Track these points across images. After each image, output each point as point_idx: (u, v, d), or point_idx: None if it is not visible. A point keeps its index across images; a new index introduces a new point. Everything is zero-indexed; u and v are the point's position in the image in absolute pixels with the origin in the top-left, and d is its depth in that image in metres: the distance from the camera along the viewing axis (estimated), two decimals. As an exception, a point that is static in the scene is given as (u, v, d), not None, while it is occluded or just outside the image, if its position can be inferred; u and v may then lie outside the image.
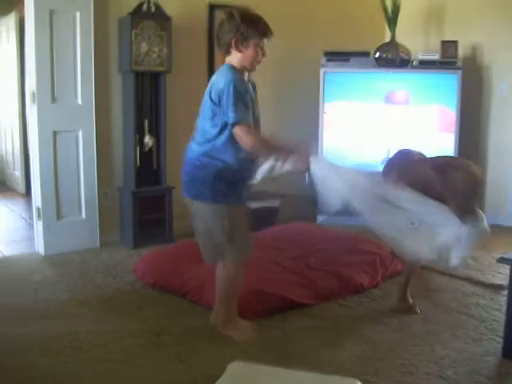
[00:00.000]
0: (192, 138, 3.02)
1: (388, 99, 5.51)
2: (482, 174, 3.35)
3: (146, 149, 4.81)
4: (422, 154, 3.52)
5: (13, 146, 7.47)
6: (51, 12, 4.41)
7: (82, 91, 4.60)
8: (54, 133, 4.50)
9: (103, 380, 2.63)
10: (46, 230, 4.57)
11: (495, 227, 5.36)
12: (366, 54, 5.59)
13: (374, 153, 5.47)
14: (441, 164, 3.31)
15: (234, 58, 2.87)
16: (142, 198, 4.78)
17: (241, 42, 2.83)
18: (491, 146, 5.77)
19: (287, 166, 2.83)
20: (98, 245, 4.76)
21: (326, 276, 3.65)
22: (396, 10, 5.58)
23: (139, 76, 4.75)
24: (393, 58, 5.54)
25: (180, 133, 5.09)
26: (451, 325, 3.27)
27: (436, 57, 5.53)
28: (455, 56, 5.55)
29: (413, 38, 5.91)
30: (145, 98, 4.80)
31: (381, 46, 5.64)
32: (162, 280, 3.76)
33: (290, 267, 3.68)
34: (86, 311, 3.45)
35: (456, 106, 5.41)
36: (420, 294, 3.68)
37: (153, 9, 4.71)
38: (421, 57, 5.57)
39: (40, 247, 4.61)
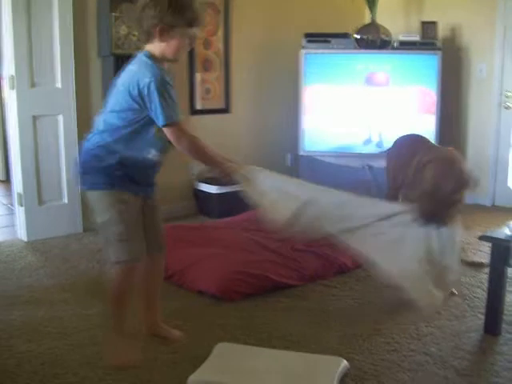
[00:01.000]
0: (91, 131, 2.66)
1: (368, 80, 5.52)
2: (468, 177, 2.99)
3: (128, 133, 4.77)
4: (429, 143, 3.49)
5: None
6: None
7: (61, 75, 4.55)
8: (34, 117, 4.46)
9: (89, 364, 2.62)
10: (28, 215, 4.54)
11: (475, 206, 5.44)
12: (346, 36, 5.59)
13: (356, 135, 5.48)
14: (427, 159, 3.11)
15: (156, 46, 2.51)
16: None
17: (166, 31, 2.47)
18: (471, 127, 5.82)
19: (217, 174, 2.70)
20: (81, 230, 4.73)
21: (311, 257, 3.66)
22: (376, -10, 5.59)
23: (119, 59, 4.68)
24: (373, 40, 5.54)
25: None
26: (434, 302, 3.30)
27: (416, 38, 5.55)
28: (435, 37, 5.57)
29: (393, 19, 5.93)
30: (125, 82, 4.75)
31: (361, 28, 5.64)
32: (145, 264, 3.75)
33: (274, 249, 3.69)
34: (70, 296, 3.44)
35: (436, 87, 5.43)
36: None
37: (132, -9, 4.66)
38: (401, 38, 5.58)
39: (22, 233, 4.58)
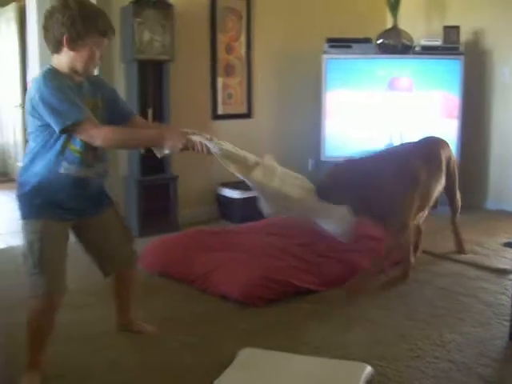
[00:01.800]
0: None
1: (391, 86, 5.51)
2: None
3: (150, 138, 4.80)
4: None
5: (14, 137, 7.48)
6: (53, 2, 4.39)
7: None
8: (59, 123, 4.50)
9: (112, 368, 2.64)
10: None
11: (500, 212, 5.40)
12: (368, 41, 5.59)
13: (377, 140, 5.47)
14: None
15: (64, 57, 2.33)
16: (147, 186, 4.79)
17: (75, 40, 2.29)
18: (494, 131, 5.77)
19: (166, 149, 2.45)
20: (104, 234, 4.76)
21: (333, 262, 3.66)
22: (398, -4, 5.58)
23: (142, 65, 4.74)
24: (395, 45, 5.53)
25: (183, 121, 5.10)
26: (458, 309, 3.28)
27: (438, 42, 5.53)
28: (457, 41, 5.54)
29: (415, 23, 5.91)
30: (148, 87, 4.80)
31: (383, 33, 5.63)
32: (168, 268, 3.78)
33: (297, 254, 3.69)
34: (93, 300, 3.46)
35: (459, 91, 5.40)
36: (424, 279, 3.72)
37: (155, -3, 4.70)
38: (423, 42, 5.56)
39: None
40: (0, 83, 7.81)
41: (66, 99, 2.26)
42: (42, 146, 2.36)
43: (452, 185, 4.01)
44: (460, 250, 4.17)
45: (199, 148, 2.46)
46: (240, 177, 2.78)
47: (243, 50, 5.52)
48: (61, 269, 2.47)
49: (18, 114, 7.20)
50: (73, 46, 2.30)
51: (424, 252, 4.12)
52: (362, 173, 3.37)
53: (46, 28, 2.34)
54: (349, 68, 5.54)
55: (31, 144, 2.39)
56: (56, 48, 2.34)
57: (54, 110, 2.25)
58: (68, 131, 2.30)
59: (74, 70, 2.36)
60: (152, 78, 4.82)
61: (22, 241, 2.48)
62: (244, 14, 5.47)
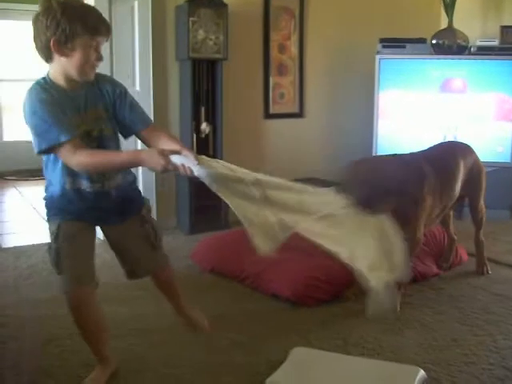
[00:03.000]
0: None
1: (444, 86, 5.43)
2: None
3: (203, 135, 4.86)
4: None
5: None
6: (110, 1, 4.50)
7: (140, 79, 4.68)
8: (113, 119, 4.58)
9: (169, 362, 2.68)
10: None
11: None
12: (422, 41, 5.51)
13: (430, 141, 5.38)
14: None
15: (57, 65, 2.16)
16: (199, 184, 4.78)
17: (63, 44, 2.10)
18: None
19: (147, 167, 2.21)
20: (153, 230, 4.83)
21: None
22: (454, -5, 5.50)
23: (196, 63, 4.79)
24: (450, 45, 5.44)
25: (236, 119, 5.15)
26: (513, 315, 3.23)
27: (495, 43, 5.41)
28: (515, 42, 5.43)
29: (471, 23, 5.80)
30: (201, 86, 4.84)
31: (438, 33, 5.55)
32: (220, 265, 3.82)
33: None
34: (146, 294, 3.50)
35: (515, 93, 5.30)
36: (478, 284, 3.66)
37: (209, -4, 4.74)
38: (479, 43, 5.46)
39: (98, 231, 4.69)
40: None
41: (48, 118, 2.10)
42: (47, 161, 2.30)
43: (474, 196, 3.78)
44: (479, 270, 3.88)
45: (181, 171, 2.19)
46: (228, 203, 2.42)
47: (296, 49, 5.51)
48: (81, 264, 2.38)
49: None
50: (62, 50, 2.12)
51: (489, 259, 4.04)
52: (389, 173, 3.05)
53: (34, 36, 2.15)
54: (402, 68, 5.48)
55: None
56: (47, 56, 2.16)
57: (33, 130, 2.15)
58: (46, 153, 2.20)
59: (69, 78, 2.18)
60: (205, 76, 4.85)
61: None
62: (297, 13, 5.47)
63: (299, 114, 5.62)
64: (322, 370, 2.56)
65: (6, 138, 8.35)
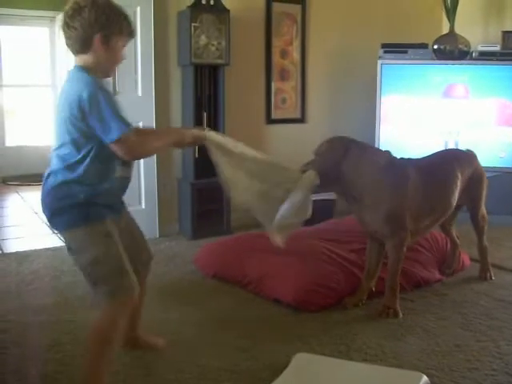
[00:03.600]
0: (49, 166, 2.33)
1: (447, 92, 5.43)
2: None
3: (205, 141, 4.85)
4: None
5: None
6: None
7: (142, 84, 4.69)
8: (116, 125, 4.59)
9: (172, 367, 2.68)
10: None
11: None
12: (424, 46, 5.53)
13: (432, 147, 5.38)
14: None
15: (93, 58, 2.21)
16: (201, 189, 4.83)
17: (108, 40, 2.19)
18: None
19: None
20: (157, 235, 4.85)
21: (387, 269, 3.62)
22: (455, 0, 5.50)
23: (198, 69, 4.79)
24: (451, 50, 5.45)
25: (238, 125, 5.15)
26: (516, 321, 3.22)
27: (497, 48, 5.42)
28: (516, 47, 5.44)
29: (472, 28, 5.81)
30: (203, 91, 4.84)
31: (439, 38, 5.56)
32: (222, 271, 3.81)
33: (352, 260, 3.66)
34: (148, 300, 3.48)
35: (517, 98, 5.30)
36: (481, 290, 3.66)
37: (212, 2, 4.75)
38: (480, 48, 5.47)
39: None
40: (58, 86, 7.99)
41: (115, 108, 2.16)
42: (93, 156, 2.21)
43: (474, 204, 3.75)
44: (482, 276, 3.85)
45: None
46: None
47: (297, 55, 5.52)
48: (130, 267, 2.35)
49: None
50: (105, 45, 2.19)
51: (493, 265, 4.01)
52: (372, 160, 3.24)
53: (73, 26, 2.17)
54: (404, 74, 5.48)
55: (70, 154, 2.21)
56: (83, 48, 2.20)
57: (116, 111, 2.15)
58: (120, 139, 2.14)
59: (99, 71, 2.25)
60: (207, 82, 4.86)
61: (82, 251, 2.31)
62: (299, 18, 5.48)
63: (301, 120, 5.63)
64: (325, 375, 2.56)
65: (9, 143, 8.36)
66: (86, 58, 2.22)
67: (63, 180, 2.23)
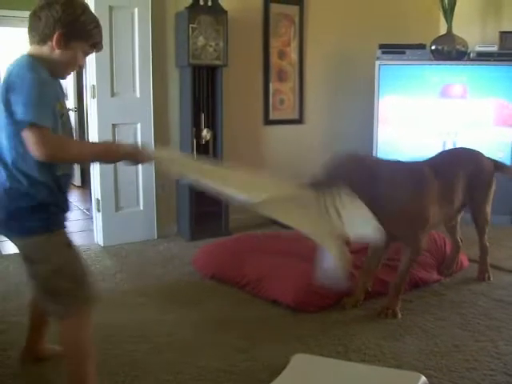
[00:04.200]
0: None
1: (445, 92, 5.44)
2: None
3: (203, 141, 4.86)
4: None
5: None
6: (110, 8, 4.51)
7: (140, 85, 4.69)
8: (113, 126, 4.60)
9: (169, 368, 2.67)
10: (105, 221, 4.67)
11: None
12: (421, 47, 5.53)
13: (430, 147, 5.39)
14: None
15: (47, 52, 2.12)
16: (199, 190, 4.81)
17: (68, 40, 2.11)
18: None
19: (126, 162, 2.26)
20: (156, 236, 4.85)
21: (386, 270, 3.62)
22: (453, 1, 5.50)
23: (196, 70, 4.79)
24: (449, 51, 5.46)
25: (236, 126, 5.16)
26: (514, 321, 3.22)
27: (494, 48, 5.42)
28: (514, 48, 5.44)
29: (470, 29, 5.81)
30: (202, 92, 4.84)
31: (437, 38, 5.57)
32: (220, 272, 3.81)
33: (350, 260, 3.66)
34: (147, 301, 3.51)
35: (515, 98, 5.30)
36: (479, 290, 3.66)
37: (209, 3, 4.75)
38: (478, 48, 5.47)
39: (99, 238, 4.71)
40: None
41: (41, 97, 2.00)
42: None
43: (477, 203, 3.74)
44: (480, 277, 3.84)
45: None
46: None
47: (295, 56, 5.53)
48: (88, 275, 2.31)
49: (71, 117, 7.36)
50: (63, 44, 2.11)
51: (491, 266, 4.02)
52: (375, 170, 3.15)
53: (38, 16, 2.10)
54: (402, 74, 5.49)
55: (14, 144, 2.05)
56: (41, 40, 2.12)
57: (37, 99, 1.98)
58: (27, 127, 1.97)
59: (50, 68, 2.12)
60: (205, 83, 4.86)
61: (42, 260, 2.19)
62: (297, 19, 5.48)
63: (299, 120, 5.63)
64: (323, 376, 2.55)
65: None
66: (41, 51, 2.13)
67: (6, 175, 2.10)
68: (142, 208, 4.80)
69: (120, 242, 4.65)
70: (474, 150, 3.82)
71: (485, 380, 2.60)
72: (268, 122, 5.44)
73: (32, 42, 2.15)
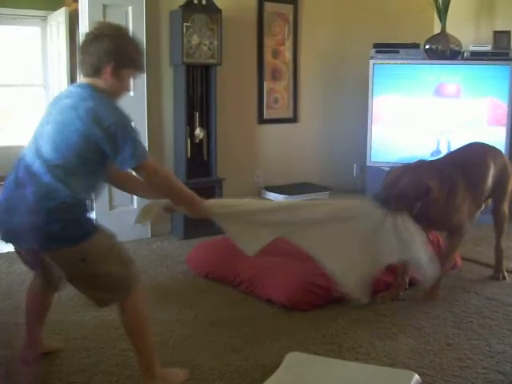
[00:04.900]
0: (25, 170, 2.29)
1: (438, 91, 5.45)
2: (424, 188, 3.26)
3: (197, 140, 4.86)
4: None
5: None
6: (104, 6, 4.51)
7: (133, 83, 4.65)
8: (107, 124, 4.58)
9: (164, 367, 2.65)
10: (99, 220, 4.64)
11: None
12: (415, 46, 5.54)
13: (424, 146, 5.41)
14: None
15: (101, 83, 2.31)
16: (193, 189, 4.68)
17: (118, 71, 2.31)
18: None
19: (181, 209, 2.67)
20: (149, 235, 4.85)
21: (381, 270, 3.63)
22: (446, 0, 5.51)
23: (190, 68, 4.79)
24: (443, 50, 5.47)
25: (230, 125, 5.16)
26: (507, 320, 3.22)
27: (488, 48, 5.44)
28: (507, 47, 5.44)
29: (464, 28, 5.83)
30: (195, 91, 4.84)
31: (431, 38, 5.58)
32: (214, 270, 3.81)
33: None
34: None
35: (508, 98, 5.30)
36: (473, 288, 3.67)
37: (203, 1, 4.75)
38: (472, 48, 5.48)
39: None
40: (50, 86, 7.96)
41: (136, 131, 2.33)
42: (93, 174, 2.34)
43: (497, 200, 3.80)
44: (494, 276, 3.87)
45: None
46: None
47: (290, 55, 5.53)
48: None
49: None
50: (114, 76, 2.30)
51: (475, 262, 4.10)
52: (419, 178, 3.29)
53: (87, 51, 2.31)
54: (396, 73, 5.50)
55: (77, 162, 2.25)
56: (94, 73, 2.30)
57: (136, 142, 2.28)
58: (144, 163, 2.31)
59: (107, 95, 2.33)
60: (199, 81, 4.86)
61: (100, 258, 2.34)
62: (291, 18, 5.49)
63: (293, 119, 5.63)
64: (317, 375, 2.56)
65: (-1, 143, 8.31)
66: (96, 82, 2.31)
67: (60, 194, 2.22)
68: (135, 206, 4.78)
69: (113, 240, 4.63)
70: (496, 147, 3.92)
71: (477, 378, 2.61)
72: (262, 120, 5.44)
73: (86, 75, 2.34)
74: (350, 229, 2.93)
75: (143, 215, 2.77)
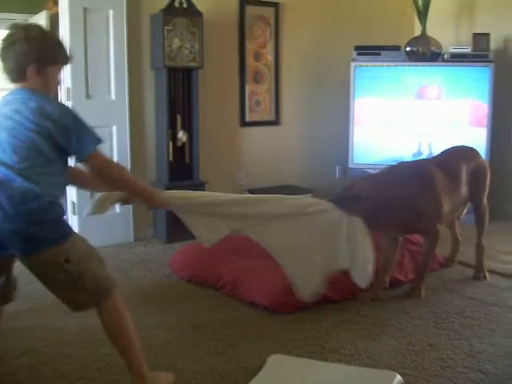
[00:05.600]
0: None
1: (419, 93, 5.48)
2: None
3: (179, 144, 4.86)
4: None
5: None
6: (85, 10, 4.50)
7: (115, 87, 4.67)
8: (89, 129, 4.57)
9: (145, 372, 2.67)
10: (81, 224, 4.63)
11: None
12: (396, 48, 5.58)
13: (405, 148, 5.44)
14: None
15: (33, 85, 2.28)
16: (175, 192, 4.80)
17: (42, 70, 2.28)
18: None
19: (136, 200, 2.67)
20: (132, 239, 4.83)
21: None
22: (426, 3, 5.55)
23: (172, 72, 4.79)
24: (424, 52, 5.50)
25: (213, 128, 5.16)
26: (488, 319, 3.25)
27: (468, 50, 5.48)
28: (487, 49, 5.49)
29: (444, 31, 5.87)
30: (177, 94, 4.84)
31: (412, 40, 5.61)
32: (197, 274, 3.81)
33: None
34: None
35: (488, 99, 5.35)
36: (454, 288, 3.70)
37: (185, 5, 4.75)
38: (452, 50, 5.52)
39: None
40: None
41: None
42: (58, 172, 2.32)
43: (477, 198, 3.87)
44: (476, 276, 3.91)
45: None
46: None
47: (271, 57, 5.54)
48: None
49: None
50: (40, 75, 2.27)
51: (459, 262, 4.16)
52: (384, 184, 3.41)
53: (7, 58, 2.27)
54: (377, 76, 5.52)
55: (43, 163, 2.24)
56: (19, 77, 2.28)
57: (86, 129, 2.27)
58: (94, 154, 2.30)
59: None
60: (181, 84, 4.85)
61: (75, 260, 2.31)
62: (272, 21, 5.50)
63: (275, 122, 5.64)
64: (299, 376, 2.57)
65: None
66: (26, 85, 2.28)
67: (34, 194, 2.19)
68: (118, 211, 4.76)
69: (96, 245, 4.44)
70: (473, 148, 4.02)
71: (459, 378, 2.63)
72: (244, 123, 5.45)
73: (12, 81, 2.31)
74: (310, 227, 3.01)
75: (99, 205, 2.72)
